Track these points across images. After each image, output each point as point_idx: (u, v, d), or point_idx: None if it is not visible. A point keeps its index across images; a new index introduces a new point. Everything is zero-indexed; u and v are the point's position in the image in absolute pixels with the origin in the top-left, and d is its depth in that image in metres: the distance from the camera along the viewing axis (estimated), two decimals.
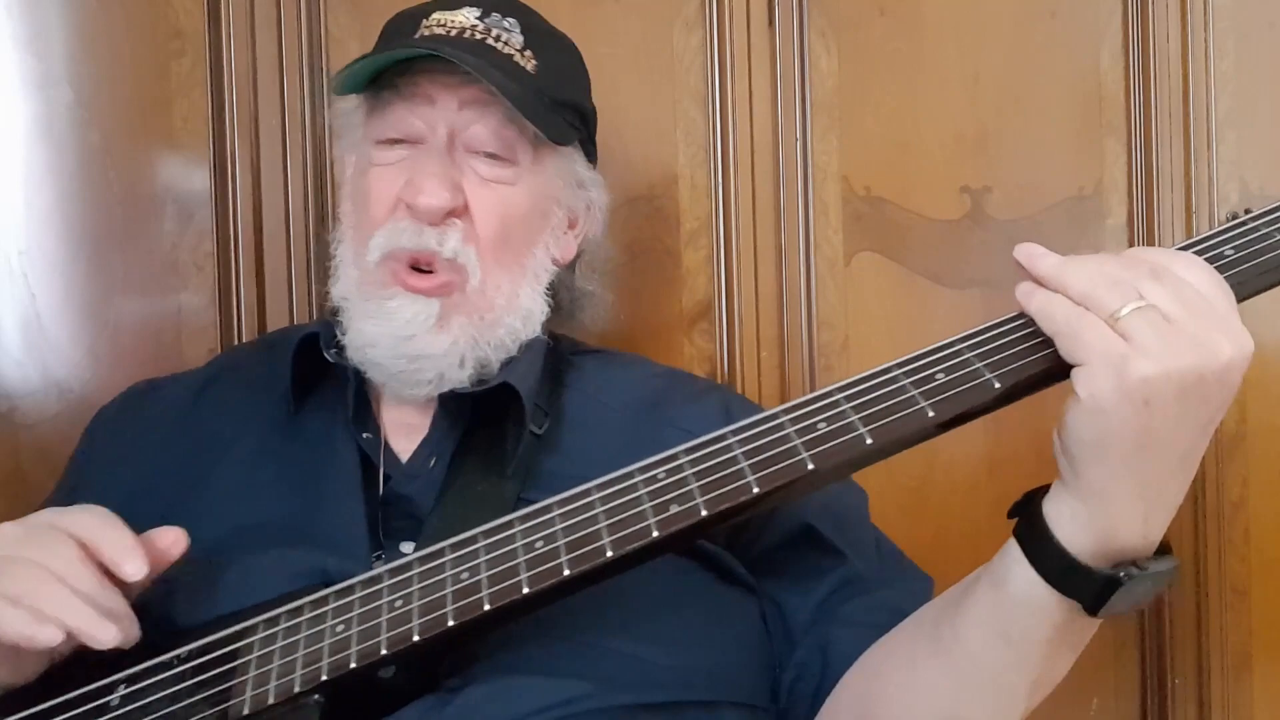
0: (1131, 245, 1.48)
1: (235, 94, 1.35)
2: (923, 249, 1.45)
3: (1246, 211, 1.46)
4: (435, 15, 1.05)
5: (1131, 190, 1.48)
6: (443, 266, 1.00)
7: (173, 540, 0.88)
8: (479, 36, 1.03)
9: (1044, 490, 0.77)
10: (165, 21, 1.34)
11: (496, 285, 1.03)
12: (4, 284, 1.31)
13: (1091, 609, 0.75)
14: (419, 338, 0.99)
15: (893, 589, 0.98)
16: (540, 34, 1.07)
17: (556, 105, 1.05)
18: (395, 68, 1.01)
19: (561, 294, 1.13)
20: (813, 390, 1.40)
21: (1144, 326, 0.69)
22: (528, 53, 1.05)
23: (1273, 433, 1.47)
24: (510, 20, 1.06)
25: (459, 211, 1.01)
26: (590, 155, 1.13)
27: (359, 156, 1.07)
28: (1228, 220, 1.46)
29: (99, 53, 1.34)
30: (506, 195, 1.03)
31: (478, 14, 1.04)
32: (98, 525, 0.86)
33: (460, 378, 1.01)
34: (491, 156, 1.03)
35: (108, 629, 0.81)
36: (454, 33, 1.03)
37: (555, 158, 1.07)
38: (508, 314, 1.04)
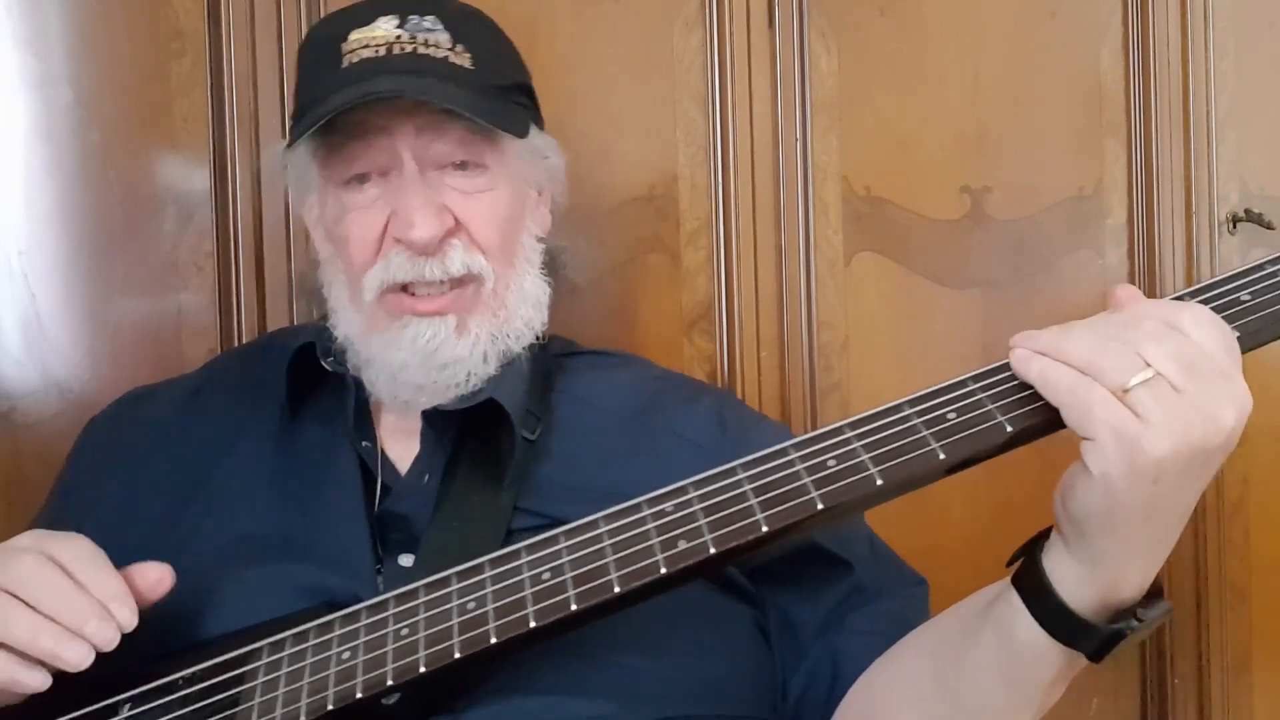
0: (1131, 245, 1.49)
1: (235, 94, 1.35)
2: (923, 249, 1.45)
3: (1247, 212, 1.47)
4: (354, 36, 1.00)
5: (1131, 190, 1.48)
6: (452, 283, 1.00)
7: (157, 579, 0.87)
8: (408, 48, 0.99)
9: (1042, 538, 0.77)
10: (165, 21, 1.34)
11: (505, 283, 1.03)
12: (4, 284, 1.31)
13: (1094, 658, 0.76)
14: (442, 349, 0.99)
15: (896, 597, 0.98)
16: (459, 21, 1.03)
17: (503, 92, 1.02)
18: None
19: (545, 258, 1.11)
20: (813, 391, 1.43)
21: (1153, 403, 0.68)
22: (459, 48, 1.01)
23: (1273, 433, 1.47)
24: (429, 19, 1.01)
25: (452, 230, 0.99)
26: (539, 123, 1.10)
27: (324, 198, 1.04)
28: (1227, 220, 1.47)
29: (99, 53, 1.33)
30: (492, 200, 1.02)
31: (395, 22, 1.00)
32: (77, 558, 0.84)
33: (487, 371, 1.01)
34: (462, 166, 1.00)
35: (74, 648, 0.80)
36: (382, 51, 0.98)
37: (515, 145, 1.04)
38: (521, 305, 1.04)
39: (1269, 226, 1.47)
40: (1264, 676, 1.50)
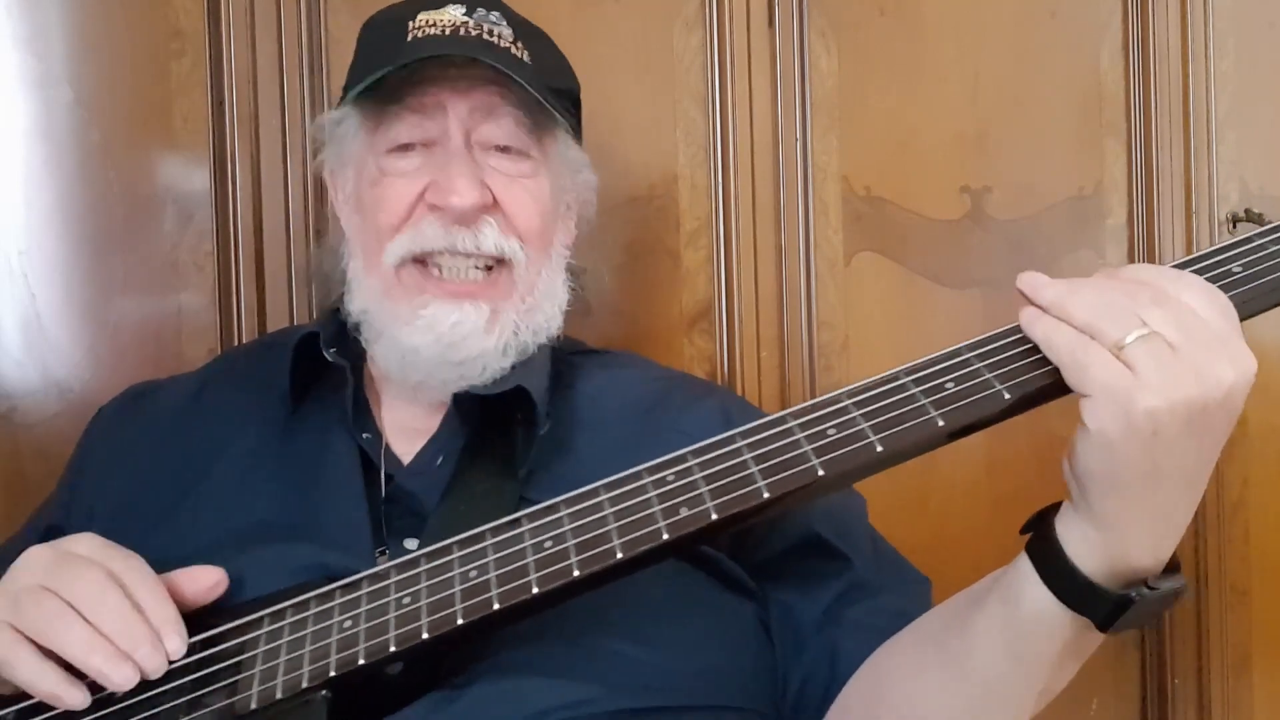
0: (1131, 245, 1.49)
1: (235, 94, 1.35)
2: (923, 249, 1.45)
3: (1247, 212, 1.47)
4: (422, 15, 1.03)
5: (1131, 190, 1.48)
6: (486, 269, 1.01)
7: (214, 583, 0.88)
8: (474, 32, 1.02)
9: (1055, 508, 0.77)
10: (165, 21, 1.34)
11: (537, 272, 1.04)
12: (4, 284, 1.31)
13: (1103, 626, 0.75)
14: (468, 341, 1.00)
15: (895, 592, 0.98)
16: (521, 25, 1.07)
17: (557, 94, 1.05)
18: (397, 75, 1.00)
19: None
20: (813, 391, 1.43)
21: (1147, 357, 0.69)
22: (519, 44, 1.04)
23: (1273, 433, 1.47)
24: (495, 14, 1.05)
25: (489, 208, 1.01)
26: (578, 138, 1.12)
27: (362, 167, 1.05)
28: (1227, 220, 1.47)
29: (99, 53, 1.34)
30: (533, 187, 1.04)
31: (463, 10, 1.04)
32: (139, 579, 0.85)
33: (503, 365, 1.02)
34: (506, 151, 1.03)
35: (123, 671, 0.81)
36: (447, 31, 1.02)
37: (557, 146, 1.07)
38: (546, 299, 1.05)
39: None
40: (1264, 676, 1.50)
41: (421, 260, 1.01)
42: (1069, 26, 1.47)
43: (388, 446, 1.03)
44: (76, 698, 0.81)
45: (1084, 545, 0.74)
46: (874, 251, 1.44)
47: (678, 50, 1.41)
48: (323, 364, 1.04)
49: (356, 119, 1.05)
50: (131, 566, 0.86)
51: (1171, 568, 0.76)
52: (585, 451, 1.00)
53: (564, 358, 1.10)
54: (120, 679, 0.81)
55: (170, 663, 0.83)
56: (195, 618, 0.86)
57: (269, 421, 1.05)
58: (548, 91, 1.02)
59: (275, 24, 1.36)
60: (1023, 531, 0.79)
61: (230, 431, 1.05)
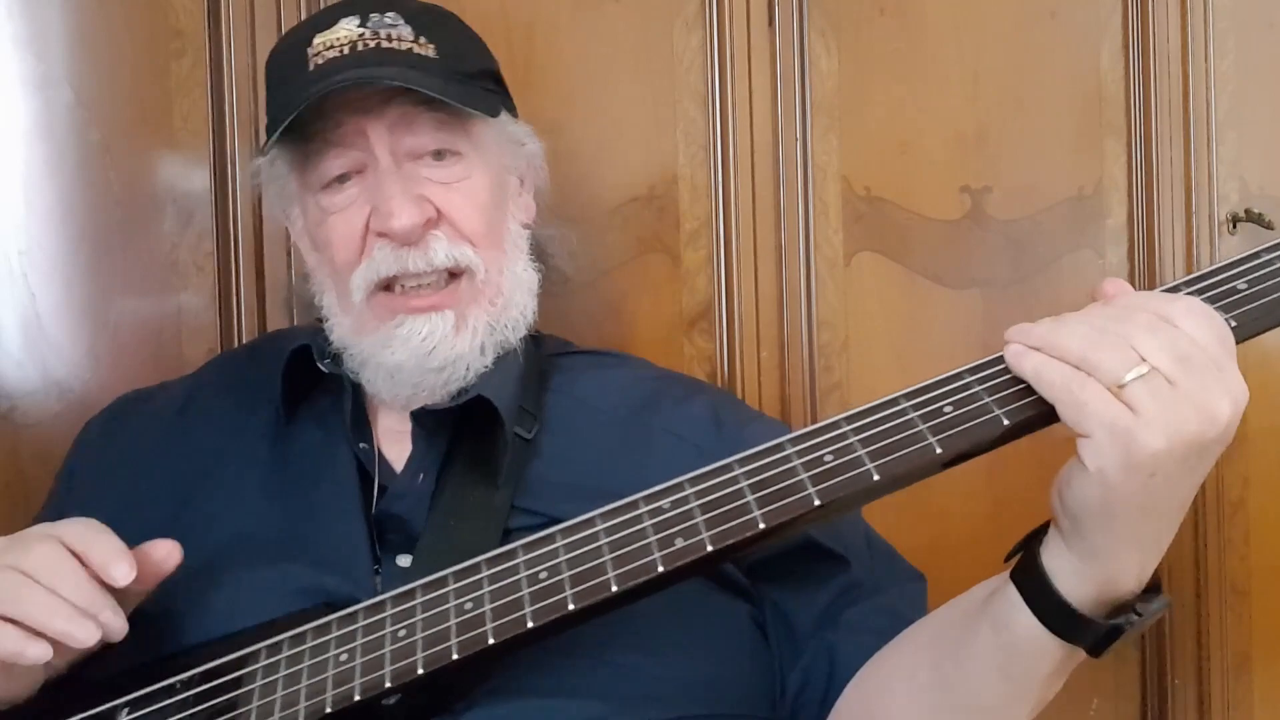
0: (1131, 245, 1.48)
1: (235, 94, 1.35)
2: (923, 249, 1.45)
3: (1247, 212, 1.47)
4: (318, 40, 1.01)
5: (1131, 190, 1.48)
6: (445, 279, 1.01)
7: (166, 552, 0.88)
8: (371, 44, 1.00)
9: (1040, 533, 0.77)
10: (165, 21, 1.34)
11: (499, 270, 1.04)
12: (4, 284, 1.31)
13: (1093, 652, 0.76)
14: (440, 348, 0.99)
15: (891, 592, 0.98)
16: (420, 15, 1.04)
17: (470, 78, 1.03)
18: (308, 112, 0.98)
19: (532, 248, 1.12)
20: (813, 391, 1.43)
21: (1148, 397, 0.68)
22: (422, 39, 1.02)
23: (1273, 433, 1.47)
24: (390, 15, 1.03)
25: (433, 221, 1.00)
26: (512, 110, 1.10)
27: (305, 207, 1.05)
28: (1227, 220, 1.47)
29: (99, 53, 1.34)
30: (470, 188, 1.02)
31: (357, 22, 1.02)
32: (85, 532, 0.86)
33: (485, 363, 1.01)
34: (438, 157, 1.01)
35: (85, 627, 0.81)
36: (345, 50, 0.99)
37: (489, 131, 1.05)
38: (516, 292, 1.05)
39: (1269, 226, 1.47)
40: (1264, 676, 1.50)
41: (387, 286, 1.01)
42: (1069, 26, 1.47)
43: (381, 455, 1.02)
44: (38, 649, 0.81)
45: (1074, 578, 0.74)
46: (874, 251, 1.44)
47: (678, 50, 1.41)
48: (316, 373, 1.04)
49: (286, 159, 1.04)
50: (78, 525, 0.87)
51: (1151, 587, 0.76)
52: (575, 455, 1.00)
53: (551, 360, 1.10)
54: (83, 635, 0.81)
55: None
56: (192, 652, 0.87)
57: (261, 432, 1.04)
58: (461, 80, 1.01)
59: (275, 24, 1.35)
60: (1007, 558, 0.79)
61: (222, 442, 1.04)
